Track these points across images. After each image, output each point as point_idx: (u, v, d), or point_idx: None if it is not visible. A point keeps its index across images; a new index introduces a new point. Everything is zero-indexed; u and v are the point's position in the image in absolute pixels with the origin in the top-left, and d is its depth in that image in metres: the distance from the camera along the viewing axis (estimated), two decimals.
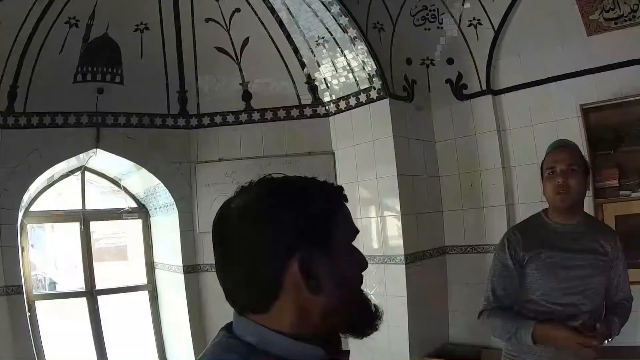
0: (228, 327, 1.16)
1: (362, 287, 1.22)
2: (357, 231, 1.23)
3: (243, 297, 1.13)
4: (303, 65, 5.90)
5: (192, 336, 5.90)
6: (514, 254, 2.79)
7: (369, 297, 1.22)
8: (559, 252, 2.69)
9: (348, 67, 5.59)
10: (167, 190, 5.98)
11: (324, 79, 5.87)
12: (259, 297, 1.10)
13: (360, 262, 1.22)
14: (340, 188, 1.22)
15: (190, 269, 5.99)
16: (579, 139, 4.54)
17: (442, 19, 5.60)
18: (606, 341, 2.60)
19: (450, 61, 5.75)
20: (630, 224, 4.60)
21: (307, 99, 6.07)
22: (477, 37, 5.52)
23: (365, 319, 1.20)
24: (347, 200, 1.23)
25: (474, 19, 5.47)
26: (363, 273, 1.23)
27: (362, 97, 5.62)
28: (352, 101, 5.74)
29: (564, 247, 2.70)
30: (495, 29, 5.39)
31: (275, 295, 1.08)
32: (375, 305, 1.21)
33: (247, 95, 6.10)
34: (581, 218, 2.82)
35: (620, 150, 4.70)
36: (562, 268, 2.67)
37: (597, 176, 4.74)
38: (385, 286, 5.39)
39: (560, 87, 5.11)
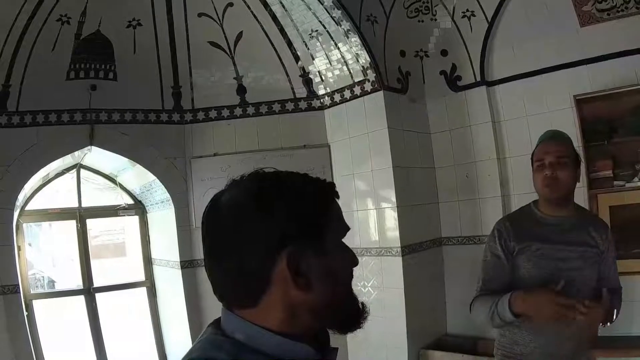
0: (216, 323, 1.16)
1: (351, 285, 1.22)
2: (347, 228, 1.22)
3: (231, 291, 1.13)
4: (297, 58, 5.89)
5: (191, 331, 5.89)
6: (504, 244, 2.79)
7: (356, 295, 1.21)
8: (549, 244, 2.69)
9: (342, 60, 5.59)
10: (162, 186, 5.97)
11: (318, 72, 5.86)
12: (246, 292, 1.10)
13: (350, 260, 1.22)
14: (332, 184, 1.22)
15: (188, 264, 5.99)
16: (573, 129, 4.56)
17: (435, 11, 5.60)
18: (608, 323, 2.59)
19: (444, 53, 5.76)
20: (625, 214, 4.62)
21: (301, 92, 6.07)
22: (471, 28, 5.52)
23: (352, 317, 1.20)
24: (338, 197, 1.22)
25: (467, 10, 5.47)
26: (353, 269, 1.23)
27: (357, 90, 5.62)
28: (347, 94, 5.73)
29: (554, 239, 2.69)
30: (489, 20, 5.40)
31: (262, 290, 1.08)
32: (362, 304, 1.21)
33: (241, 90, 6.09)
34: (572, 210, 2.81)
35: (614, 140, 4.71)
36: (552, 260, 2.66)
37: (591, 167, 4.75)
38: (382, 278, 5.40)
39: (553, 78, 5.12)
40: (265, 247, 1.07)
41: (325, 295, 1.11)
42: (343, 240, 1.22)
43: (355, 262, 1.22)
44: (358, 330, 1.21)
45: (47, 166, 5.59)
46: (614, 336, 4.11)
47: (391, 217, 5.38)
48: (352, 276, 1.22)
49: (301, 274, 1.07)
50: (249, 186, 1.14)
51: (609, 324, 2.63)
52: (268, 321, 1.08)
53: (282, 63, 5.96)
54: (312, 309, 1.10)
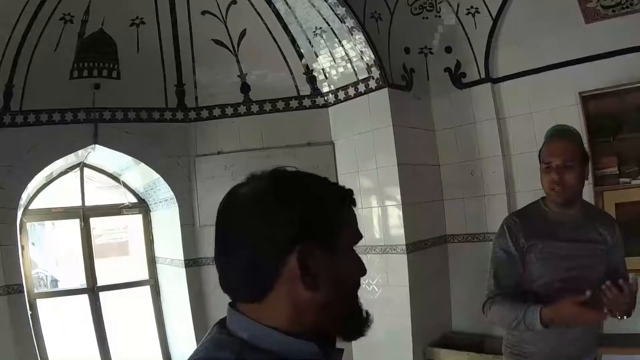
0: (222, 322, 1.15)
1: (357, 293, 1.22)
2: (360, 236, 1.22)
3: (238, 284, 1.12)
4: (301, 56, 5.88)
5: (195, 329, 5.91)
6: (515, 240, 2.77)
7: (361, 303, 1.21)
8: (558, 242, 2.68)
9: (346, 57, 5.58)
10: (166, 185, 5.98)
11: (322, 69, 5.85)
12: (254, 286, 1.09)
13: (359, 268, 1.22)
14: (350, 191, 1.21)
15: (192, 263, 6.00)
16: (578, 126, 4.52)
17: (439, 8, 5.58)
18: (625, 317, 2.57)
19: (448, 50, 5.75)
20: (631, 211, 4.61)
21: (305, 89, 6.06)
22: (475, 25, 5.51)
23: (355, 323, 1.20)
24: (355, 205, 1.22)
25: (471, 7, 5.45)
26: (361, 279, 1.23)
27: (361, 87, 5.61)
28: (351, 91, 5.72)
29: (563, 237, 2.69)
30: (493, 17, 5.38)
31: (270, 286, 1.08)
32: (366, 312, 1.21)
33: (245, 87, 6.08)
34: (580, 207, 2.80)
35: (620, 137, 4.71)
36: (561, 258, 2.66)
37: (597, 164, 4.75)
38: (387, 276, 5.40)
39: (558, 75, 5.11)
40: (277, 243, 1.07)
41: (330, 297, 1.10)
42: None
43: (363, 272, 1.23)
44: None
45: (51, 165, 5.58)
46: (619, 334, 4.09)
47: (396, 215, 5.38)
48: (358, 284, 1.22)
49: (310, 273, 1.07)
50: (268, 182, 1.14)
51: (625, 317, 2.60)
52: (273, 319, 1.08)
53: (285, 61, 5.95)
54: (315, 308, 1.10)
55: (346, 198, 1.20)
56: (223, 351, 1.05)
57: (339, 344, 1.20)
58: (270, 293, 1.08)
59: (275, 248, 1.07)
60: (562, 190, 2.65)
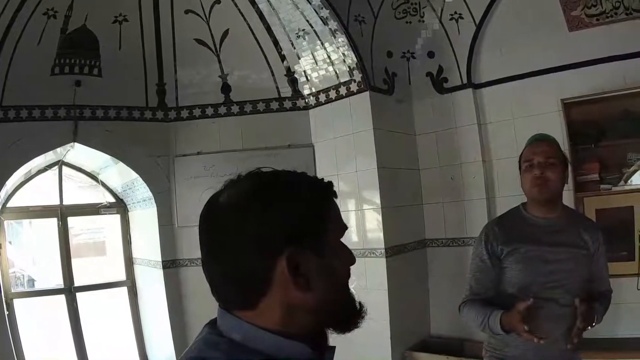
0: (212, 323, 1.14)
1: (348, 284, 1.21)
2: (345, 227, 1.21)
3: (230, 293, 1.11)
4: (283, 57, 5.87)
5: (172, 331, 5.83)
6: (490, 248, 2.81)
7: (354, 295, 1.21)
8: (539, 245, 2.70)
9: (328, 60, 5.57)
10: (145, 185, 5.92)
11: (304, 71, 5.84)
12: (246, 294, 1.08)
13: (348, 258, 1.21)
14: (330, 184, 1.20)
15: (170, 264, 5.95)
16: (560, 133, 4.59)
17: (423, 13, 5.60)
18: (589, 327, 2.59)
19: (431, 54, 5.76)
20: (611, 217, 4.66)
21: (286, 91, 6.05)
22: (459, 31, 5.53)
23: (350, 316, 1.19)
24: (336, 197, 1.21)
25: (455, 12, 5.48)
26: (351, 268, 1.22)
27: (342, 90, 5.61)
28: (332, 94, 5.72)
29: (544, 241, 2.71)
30: (477, 23, 5.41)
31: (262, 292, 1.07)
32: (360, 303, 1.20)
33: (226, 88, 6.06)
34: (561, 211, 2.83)
35: (601, 144, 4.76)
36: (542, 262, 2.68)
37: (578, 170, 4.79)
38: (366, 279, 5.37)
39: (541, 82, 5.15)
40: (264, 249, 1.05)
41: (324, 294, 1.10)
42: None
43: (352, 261, 1.22)
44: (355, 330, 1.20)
45: (30, 162, 5.51)
46: (599, 338, 4.12)
47: (375, 219, 5.37)
48: (349, 275, 1.21)
49: (300, 274, 1.06)
50: (247, 186, 1.12)
51: (589, 328, 2.63)
52: (266, 321, 1.07)
53: (267, 62, 5.94)
54: (310, 309, 1.09)
55: (327, 191, 1.19)
56: (215, 351, 1.04)
57: (332, 341, 1.19)
58: (263, 299, 1.07)
59: (262, 253, 1.05)
60: (544, 188, 2.69)
